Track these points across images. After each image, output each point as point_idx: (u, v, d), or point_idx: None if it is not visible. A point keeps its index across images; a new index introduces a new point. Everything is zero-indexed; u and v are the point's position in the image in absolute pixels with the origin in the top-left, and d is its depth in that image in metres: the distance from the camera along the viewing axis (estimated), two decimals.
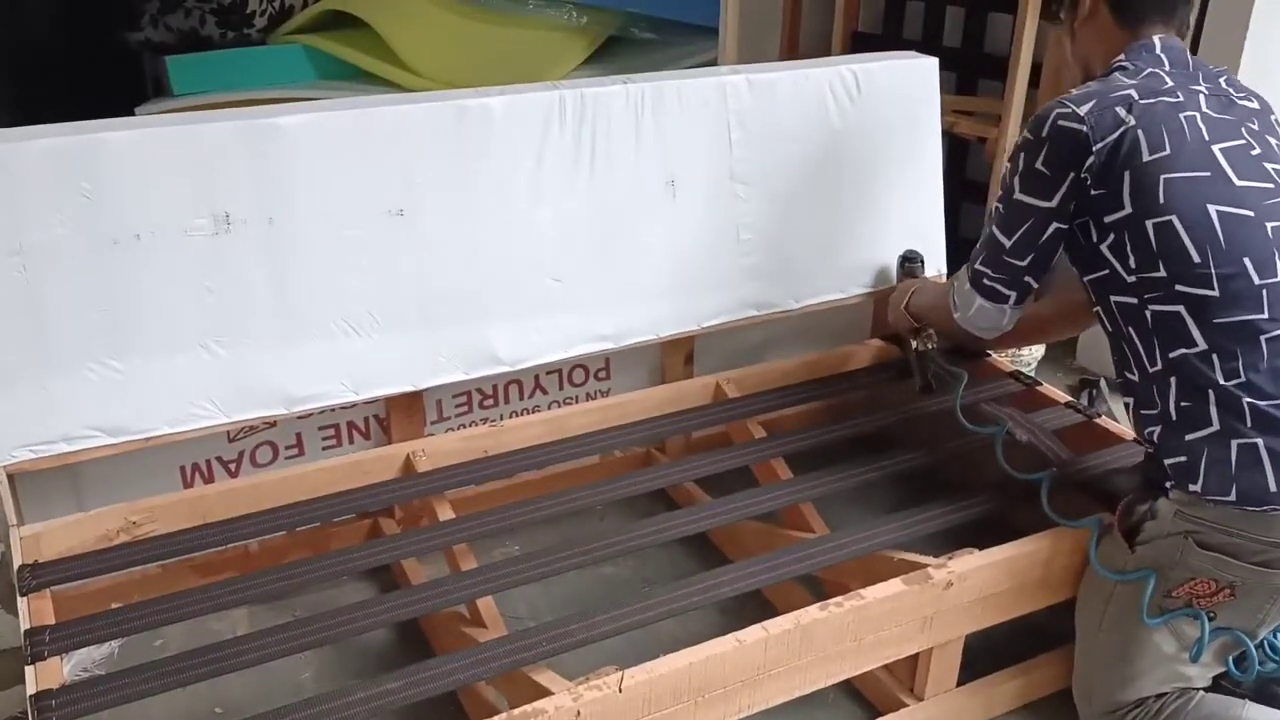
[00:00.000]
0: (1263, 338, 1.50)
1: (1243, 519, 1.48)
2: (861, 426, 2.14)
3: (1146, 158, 1.54)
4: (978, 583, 1.65)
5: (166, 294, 1.76)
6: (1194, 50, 2.50)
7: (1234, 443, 1.49)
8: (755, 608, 1.85)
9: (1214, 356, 1.51)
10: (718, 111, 2.14)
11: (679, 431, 2.21)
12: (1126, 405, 1.68)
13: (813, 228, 2.29)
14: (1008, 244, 1.67)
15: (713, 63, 3.49)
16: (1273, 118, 1.66)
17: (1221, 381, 1.50)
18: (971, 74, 3.17)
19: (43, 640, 1.50)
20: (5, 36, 3.92)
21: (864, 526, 1.78)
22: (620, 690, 1.41)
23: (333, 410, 2.01)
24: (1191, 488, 1.52)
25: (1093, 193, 1.58)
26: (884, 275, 2.40)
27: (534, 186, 2.01)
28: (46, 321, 1.69)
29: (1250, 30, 2.39)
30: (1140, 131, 1.54)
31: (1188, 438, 1.53)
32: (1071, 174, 1.58)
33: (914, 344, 2.13)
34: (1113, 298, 1.62)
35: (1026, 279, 1.70)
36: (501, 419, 2.23)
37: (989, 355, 2.28)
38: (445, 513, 1.85)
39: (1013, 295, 1.72)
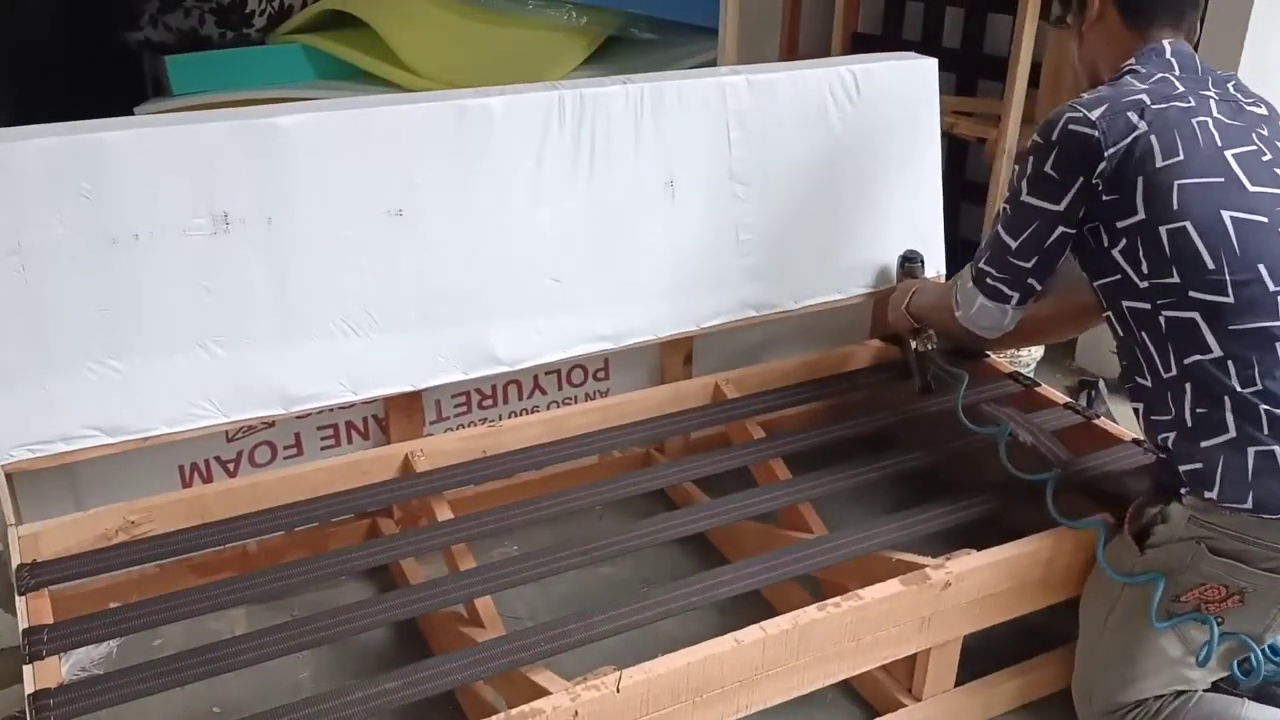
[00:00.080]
0: (1278, 344, 1.48)
1: (1258, 526, 1.48)
2: (860, 427, 2.14)
3: (1160, 163, 1.52)
4: (976, 583, 1.65)
5: (165, 294, 1.76)
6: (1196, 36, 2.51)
7: (1251, 450, 1.48)
8: (754, 608, 1.85)
9: (1229, 363, 1.50)
10: (717, 112, 2.14)
11: (678, 432, 2.21)
12: (1136, 410, 1.66)
13: (812, 228, 2.29)
14: (1013, 245, 1.67)
15: (713, 63, 3.49)
16: None
17: (1238, 388, 1.49)
18: (971, 75, 3.17)
19: (40, 640, 1.50)
20: (5, 36, 3.91)
21: (862, 527, 1.78)
22: (618, 690, 1.41)
23: (331, 410, 2.01)
24: (1207, 494, 1.50)
25: (1104, 198, 1.57)
26: (883, 276, 2.40)
27: (533, 186, 2.01)
28: (45, 321, 1.69)
29: (1249, 31, 2.39)
30: (1153, 137, 1.53)
31: (1203, 444, 1.52)
32: (1081, 178, 1.57)
33: (913, 344, 2.12)
34: (1124, 303, 1.61)
35: (1030, 280, 1.70)
36: (500, 419, 2.23)
37: (988, 356, 2.28)
38: (444, 513, 1.85)
39: (1015, 296, 1.72)
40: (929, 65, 2.36)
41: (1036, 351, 2.60)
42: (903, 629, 1.62)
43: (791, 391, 2.23)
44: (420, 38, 4.05)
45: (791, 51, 3.50)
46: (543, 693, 1.43)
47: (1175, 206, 1.51)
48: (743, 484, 2.03)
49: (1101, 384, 2.74)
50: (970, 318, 1.78)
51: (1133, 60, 1.64)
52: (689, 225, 2.16)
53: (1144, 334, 1.59)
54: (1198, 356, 1.52)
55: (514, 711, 1.38)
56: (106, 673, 1.53)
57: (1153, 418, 1.61)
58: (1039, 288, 1.72)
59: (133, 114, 3.39)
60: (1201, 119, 1.56)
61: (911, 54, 2.40)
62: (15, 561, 1.66)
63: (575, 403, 2.31)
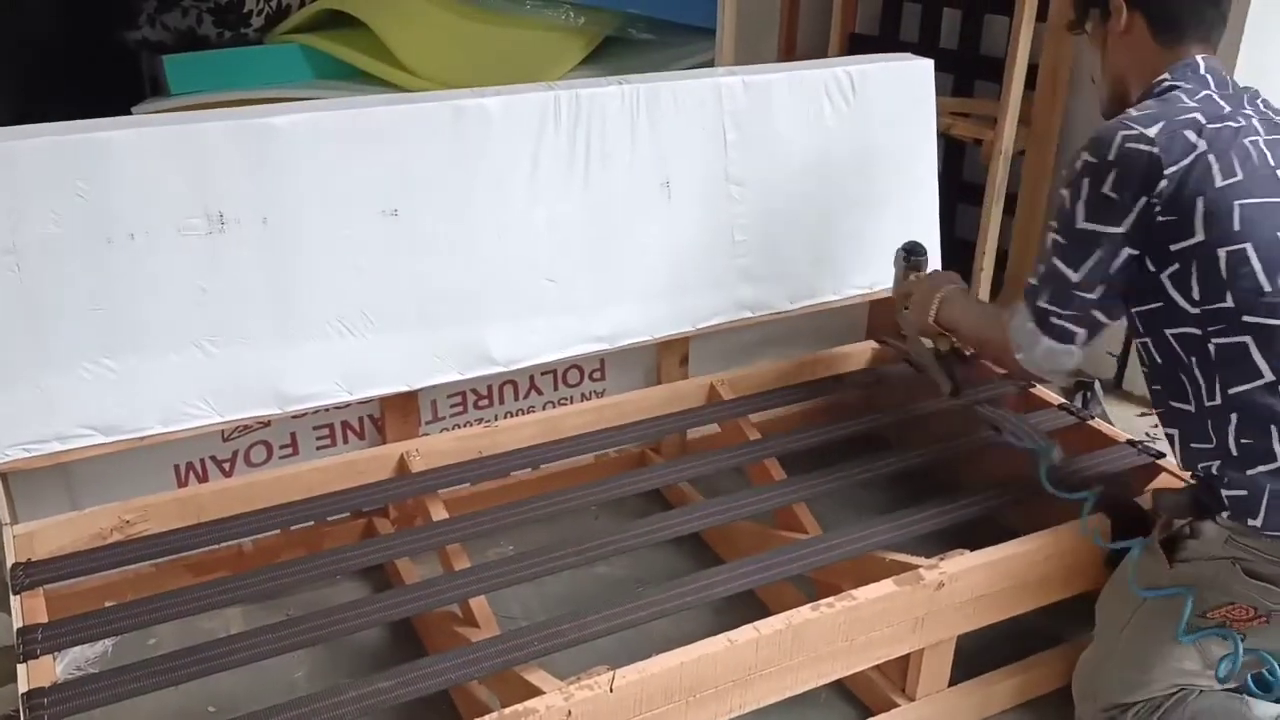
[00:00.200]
0: None
1: None
2: (855, 427, 2.14)
3: (1219, 184, 1.47)
4: (969, 583, 1.65)
5: (161, 293, 1.76)
6: None
7: None
8: (748, 608, 1.85)
9: None
10: (713, 113, 2.14)
11: (673, 432, 2.22)
12: (1170, 437, 1.61)
13: (807, 229, 2.29)
14: (1075, 277, 1.55)
15: (710, 64, 3.48)
16: None
17: None
18: (968, 76, 3.17)
19: (35, 639, 1.50)
20: (3, 36, 3.91)
21: (857, 527, 1.78)
22: (611, 690, 1.41)
23: (327, 410, 2.01)
24: (1251, 522, 1.47)
25: (1160, 219, 1.49)
26: (879, 277, 2.41)
27: (529, 187, 2.01)
28: (40, 320, 1.69)
29: (1245, 34, 2.39)
30: (1212, 156, 1.48)
31: (1249, 472, 1.48)
32: (1143, 198, 1.49)
33: (936, 345, 2.01)
34: (1168, 330, 1.55)
35: (1096, 314, 1.58)
36: (496, 419, 2.23)
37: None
38: (439, 512, 1.85)
39: (1082, 333, 1.59)
40: (925, 66, 2.36)
41: None
42: (896, 629, 1.62)
43: (787, 392, 2.24)
44: (418, 38, 4.05)
45: (789, 52, 3.50)
46: (536, 692, 1.43)
47: (1237, 228, 1.46)
48: (738, 484, 2.04)
49: (1097, 385, 2.74)
50: (1034, 361, 1.63)
51: (1167, 75, 1.58)
52: (685, 226, 2.16)
53: (1191, 360, 1.53)
54: (1248, 384, 1.47)
55: (507, 711, 1.38)
56: (101, 671, 1.53)
57: (1192, 445, 1.56)
58: (1107, 321, 1.60)
59: (130, 113, 3.40)
60: (1252, 138, 1.51)
61: (908, 55, 2.41)
62: (10, 560, 1.67)
63: (571, 403, 2.31)
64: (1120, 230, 1.51)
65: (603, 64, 3.95)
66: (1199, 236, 1.48)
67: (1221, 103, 1.54)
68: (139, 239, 1.73)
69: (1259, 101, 1.61)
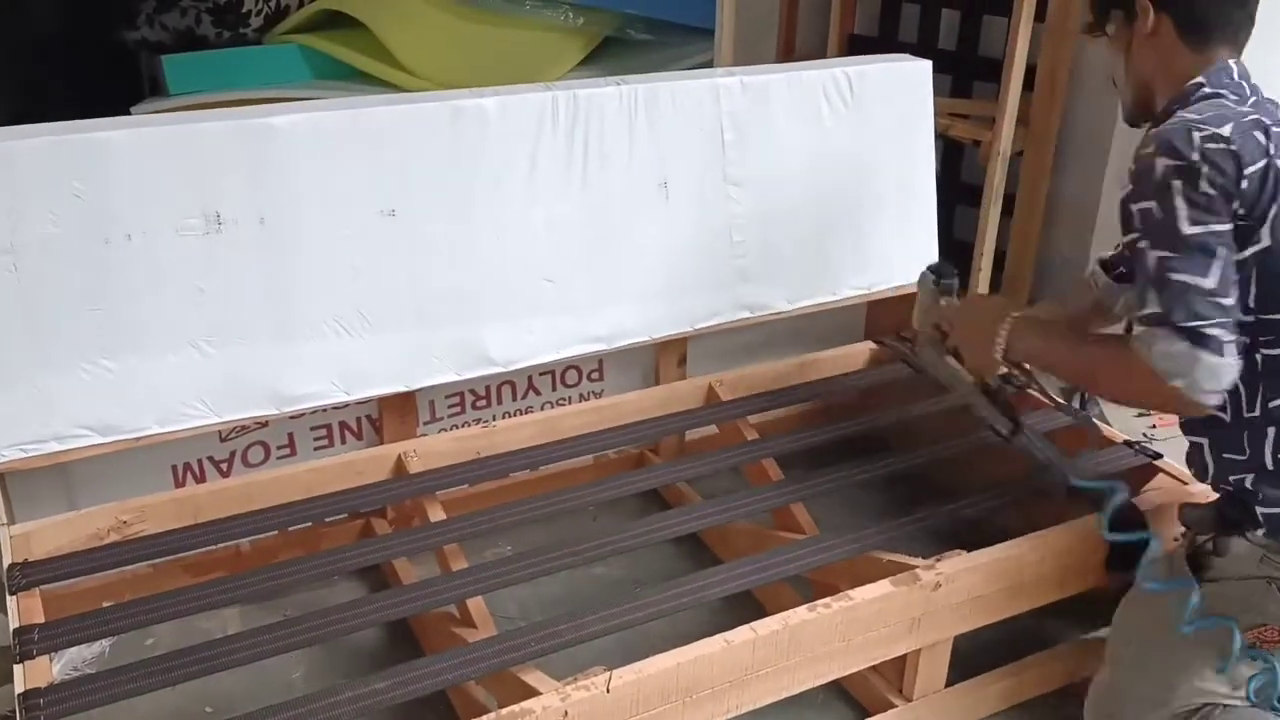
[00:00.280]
0: None
1: None
2: (853, 428, 2.14)
3: None
4: (966, 584, 1.65)
5: (158, 293, 1.76)
6: None
7: None
8: (745, 608, 1.86)
9: None
10: (711, 113, 2.15)
11: (672, 432, 2.22)
12: (1198, 445, 1.55)
13: (806, 230, 2.29)
14: (1209, 283, 1.40)
15: (709, 64, 3.48)
16: None
17: None
18: (967, 77, 3.17)
19: (31, 639, 1.50)
20: (2, 35, 3.91)
21: (854, 528, 1.78)
22: (608, 690, 1.41)
23: (325, 410, 2.01)
24: None
25: (1240, 221, 1.42)
26: (877, 277, 2.41)
27: (527, 187, 2.01)
28: (38, 320, 1.69)
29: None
30: (1279, 161, 1.42)
31: None
32: (1234, 197, 1.41)
33: (995, 383, 1.79)
34: None
35: (1238, 318, 1.43)
36: (494, 420, 2.23)
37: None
38: (437, 513, 1.85)
39: (1235, 341, 1.42)
40: (923, 67, 2.37)
41: None
42: (893, 629, 1.62)
43: (785, 393, 2.24)
44: (417, 38, 4.05)
45: (788, 53, 3.50)
46: (533, 693, 1.43)
47: None
48: (736, 484, 2.04)
49: None
50: (1198, 386, 1.42)
51: (1202, 79, 1.52)
52: (683, 226, 2.16)
53: None
54: None
55: (504, 711, 1.39)
56: (98, 672, 1.54)
57: (1224, 455, 1.51)
58: (1244, 320, 1.46)
59: (129, 113, 3.40)
60: None
61: (906, 56, 2.41)
62: (7, 561, 1.67)
63: (569, 403, 2.31)
64: (1229, 227, 1.41)
65: (601, 64, 3.95)
66: (1265, 242, 1.42)
67: (1270, 109, 1.50)
68: (137, 239, 1.73)
69: None
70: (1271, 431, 1.46)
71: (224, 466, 2.03)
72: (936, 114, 2.43)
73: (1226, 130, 1.41)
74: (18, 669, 1.45)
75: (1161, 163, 1.43)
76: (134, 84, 4.42)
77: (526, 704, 1.40)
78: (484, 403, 2.23)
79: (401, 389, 1.99)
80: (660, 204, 2.14)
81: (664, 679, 1.45)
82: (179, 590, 1.67)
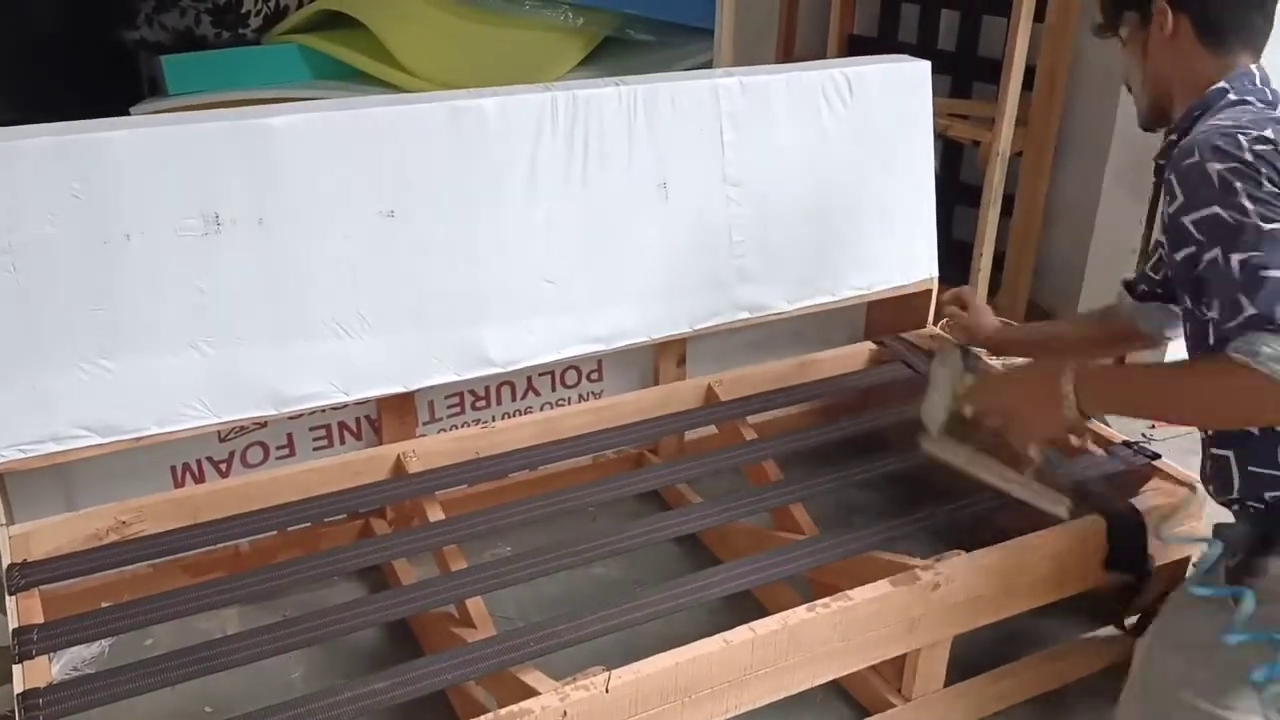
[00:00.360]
0: None
1: None
2: (852, 428, 2.14)
3: None
4: (965, 585, 1.65)
5: (157, 294, 1.76)
6: None
7: None
8: (745, 609, 1.86)
9: None
10: (710, 113, 2.15)
11: (671, 433, 2.22)
12: (1222, 458, 1.47)
13: (805, 230, 2.29)
14: None
15: (709, 64, 3.49)
16: None
17: None
18: (966, 77, 3.17)
19: (30, 639, 1.50)
20: (2, 35, 3.92)
21: (853, 528, 1.79)
22: (607, 690, 1.41)
23: (324, 411, 2.01)
24: None
25: None
26: (877, 277, 2.41)
27: (527, 188, 2.01)
28: (36, 321, 1.69)
29: None
30: None
31: None
32: None
33: (1043, 456, 1.62)
34: None
35: None
36: (494, 420, 2.23)
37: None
38: (436, 513, 1.85)
39: None
40: (922, 68, 2.37)
41: None
42: (892, 630, 1.62)
43: (784, 393, 2.24)
44: (416, 38, 4.05)
45: (788, 53, 3.51)
46: (532, 693, 1.43)
47: None
48: (735, 485, 2.04)
49: None
50: None
51: (1225, 85, 1.49)
52: (682, 227, 2.16)
53: None
54: None
55: (503, 712, 1.39)
56: (97, 672, 1.53)
57: (1250, 469, 1.44)
58: None
59: (129, 114, 3.39)
60: None
61: (904, 56, 2.41)
62: (6, 561, 1.67)
63: (569, 404, 2.31)
64: None
65: (601, 65, 3.95)
66: None
67: None
68: (136, 240, 1.73)
69: None
70: None
71: (223, 467, 2.03)
72: (936, 114, 2.43)
73: (1270, 133, 1.36)
74: (17, 669, 1.45)
75: (1214, 167, 1.35)
76: (133, 84, 4.42)
77: (525, 704, 1.40)
78: (483, 403, 2.23)
79: (400, 389, 1.99)
80: (660, 204, 2.14)
81: (663, 679, 1.45)
82: (178, 590, 1.67)
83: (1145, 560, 1.77)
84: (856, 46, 3.30)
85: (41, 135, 1.67)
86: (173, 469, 1.98)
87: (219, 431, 1.95)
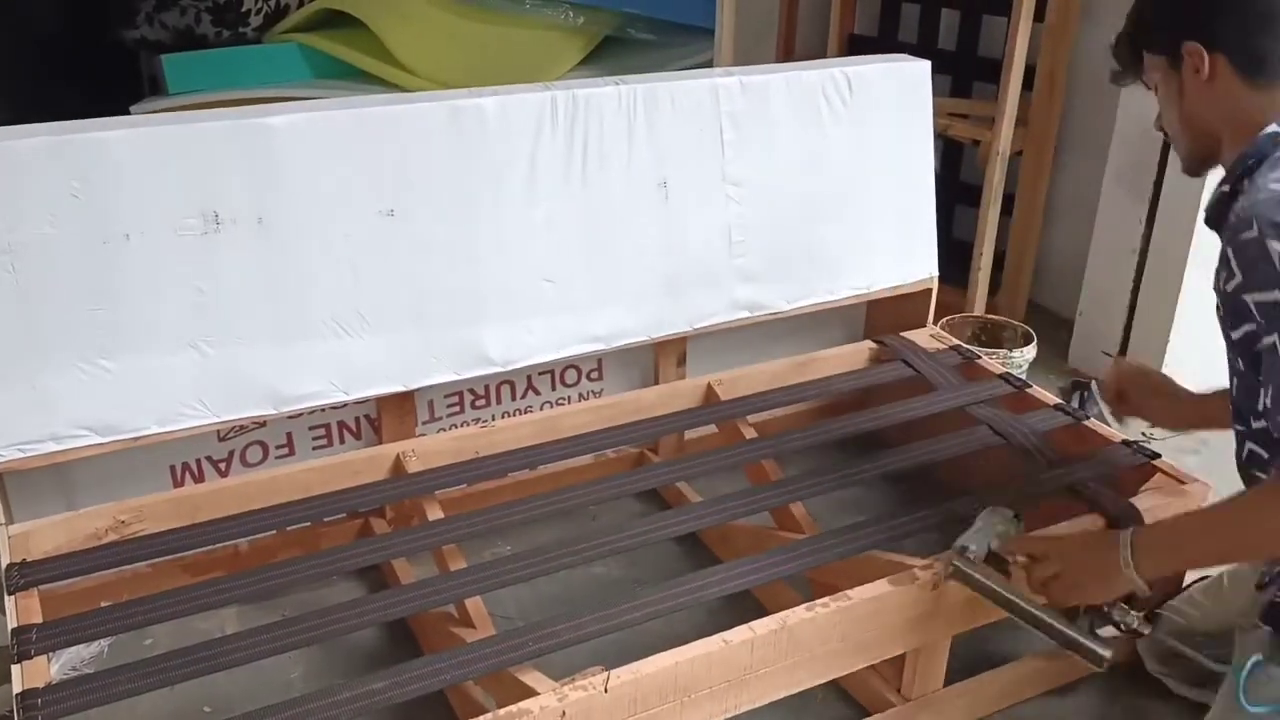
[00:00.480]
0: None
1: None
2: (852, 428, 2.14)
3: None
4: (963, 580, 1.65)
5: (156, 293, 1.76)
6: None
7: None
8: (746, 608, 1.86)
9: None
10: (710, 113, 2.14)
11: (671, 432, 2.22)
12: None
13: (804, 230, 2.29)
14: None
15: (709, 64, 3.49)
16: None
17: None
18: (966, 77, 3.17)
19: (29, 639, 1.50)
20: (2, 34, 3.92)
21: (853, 527, 1.78)
22: (606, 690, 1.41)
23: (323, 410, 2.01)
24: None
25: None
26: (876, 277, 2.41)
27: (527, 187, 2.01)
28: (36, 320, 1.69)
29: None
30: None
31: None
32: None
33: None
34: None
35: None
36: (493, 419, 2.23)
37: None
38: (435, 513, 1.85)
39: None
40: (922, 67, 2.36)
41: (1029, 352, 2.60)
42: (891, 629, 1.62)
43: (784, 392, 2.24)
44: (417, 37, 4.05)
45: (788, 53, 3.51)
46: (531, 693, 1.43)
47: None
48: (735, 484, 2.04)
49: (1094, 385, 2.74)
50: None
51: (1277, 127, 1.38)
52: (682, 226, 2.16)
53: None
54: None
55: (502, 712, 1.38)
56: (96, 672, 1.53)
57: None
58: None
59: (129, 113, 3.40)
60: None
61: (904, 56, 2.41)
62: (5, 560, 1.67)
63: (568, 403, 2.31)
64: None
65: (602, 64, 3.95)
66: None
67: None
68: (135, 239, 1.73)
69: None
70: None
71: (222, 466, 2.03)
72: (936, 114, 2.43)
73: None
74: (16, 669, 1.45)
75: (1276, 246, 1.26)
76: (133, 83, 4.42)
77: (524, 704, 1.39)
78: (483, 402, 2.23)
79: (400, 389, 1.99)
80: (659, 204, 2.13)
81: (662, 679, 1.45)
82: (177, 590, 1.66)
83: None
84: (857, 46, 3.30)
85: (41, 135, 1.67)
86: (172, 468, 1.97)
87: (218, 431, 1.95)
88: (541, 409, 2.28)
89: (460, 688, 1.63)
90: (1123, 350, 2.81)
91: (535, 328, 2.08)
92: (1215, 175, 1.47)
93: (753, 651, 1.51)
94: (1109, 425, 2.10)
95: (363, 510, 2.03)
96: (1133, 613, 1.56)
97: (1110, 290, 2.79)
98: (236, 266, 1.80)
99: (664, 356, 2.32)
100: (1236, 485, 1.52)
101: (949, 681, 1.76)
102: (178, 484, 1.98)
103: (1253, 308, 1.30)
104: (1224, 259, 1.34)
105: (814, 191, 2.28)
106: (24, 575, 1.63)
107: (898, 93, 2.33)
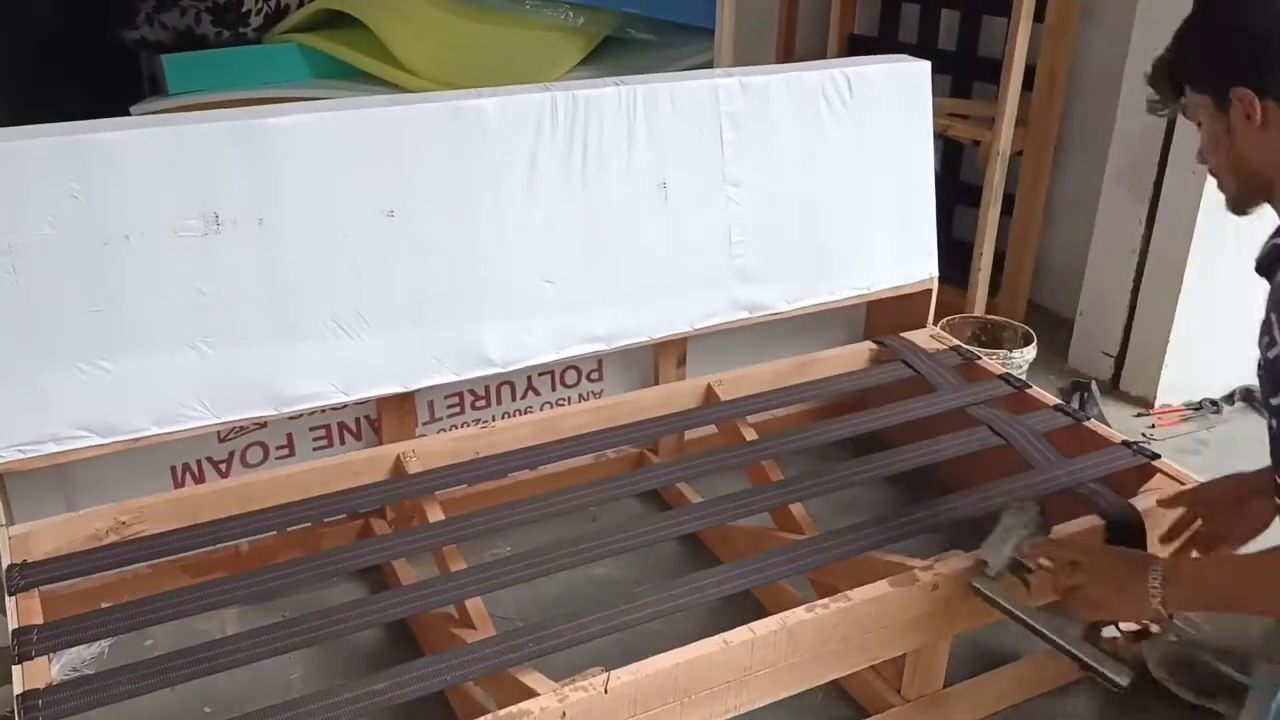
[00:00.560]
0: None
1: None
2: (852, 428, 2.14)
3: None
4: (964, 584, 1.64)
5: (156, 294, 1.76)
6: None
7: None
8: (746, 608, 1.86)
9: None
10: (710, 113, 2.15)
11: (671, 432, 2.22)
12: None
13: (804, 230, 2.29)
14: None
15: (710, 64, 3.49)
16: None
17: None
18: (966, 77, 3.17)
19: (30, 640, 1.50)
20: (2, 35, 3.92)
21: (853, 528, 1.78)
22: (606, 691, 1.41)
23: (324, 411, 2.01)
24: None
25: None
26: (876, 277, 2.41)
27: (527, 187, 2.01)
28: (36, 321, 1.69)
29: None
30: None
31: None
32: None
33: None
34: None
35: None
36: (493, 420, 2.23)
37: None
38: (436, 514, 1.85)
39: None
40: (922, 68, 2.37)
41: (1029, 352, 2.60)
42: (891, 630, 1.62)
43: (784, 393, 2.24)
44: (417, 37, 4.05)
45: (788, 53, 3.51)
46: (531, 693, 1.43)
47: None
48: (735, 484, 2.04)
49: (1094, 385, 2.74)
50: None
51: None
52: (682, 227, 2.16)
53: None
54: None
55: (502, 712, 1.39)
56: (97, 673, 1.53)
57: None
58: None
59: (129, 113, 3.40)
60: None
61: (904, 56, 2.41)
62: (6, 561, 1.67)
63: (569, 404, 2.31)
64: None
65: (602, 64, 3.95)
66: None
67: None
68: (135, 240, 1.73)
69: None
70: None
71: (223, 467, 2.03)
72: (936, 114, 2.43)
73: None
74: (16, 670, 1.45)
75: None
76: (134, 83, 4.42)
77: (524, 705, 1.39)
78: (483, 403, 2.23)
79: (400, 389, 1.99)
80: (660, 204, 2.14)
81: (662, 679, 1.45)
82: (178, 591, 1.67)
83: None
84: (857, 46, 3.30)
85: (41, 135, 1.67)
86: (172, 469, 1.98)
87: (219, 432, 1.95)
88: (542, 409, 2.28)
89: (461, 688, 1.63)
90: (1123, 350, 2.81)
91: (535, 328, 2.08)
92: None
93: (753, 652, 1.51)
94: (1106, 424, 2.09)
95: (363, 511, 2.03)
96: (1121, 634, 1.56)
97: (1110, 290, 2.79)
98: (237, 267, 1.80)
99: (664, 357, 2.32)
100: None
101: (949, 682, 1.76)
102: (178, 485, 1.98)
103: None
104: (1267, 324, 1.30)
105: (814, 192, 2.28)
106: (25, 576, 1.63)
107: (898, 93, 2.33)
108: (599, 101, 2.03)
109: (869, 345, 2.44)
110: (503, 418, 2.24)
